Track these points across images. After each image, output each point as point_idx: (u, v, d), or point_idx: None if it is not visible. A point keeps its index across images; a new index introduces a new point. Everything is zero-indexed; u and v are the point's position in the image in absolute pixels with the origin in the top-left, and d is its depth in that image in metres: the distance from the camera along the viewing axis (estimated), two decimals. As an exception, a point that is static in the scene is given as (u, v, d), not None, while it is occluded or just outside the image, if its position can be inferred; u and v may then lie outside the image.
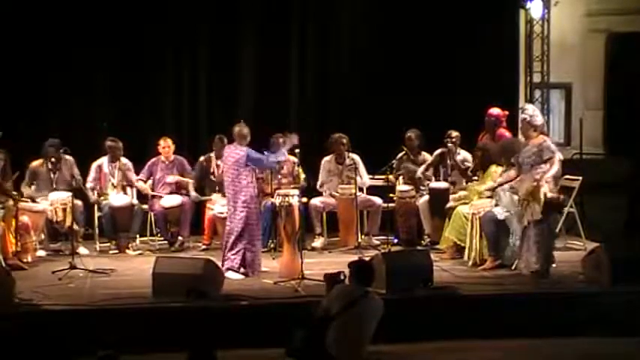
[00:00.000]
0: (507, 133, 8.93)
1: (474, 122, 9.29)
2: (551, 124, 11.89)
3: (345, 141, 9.39)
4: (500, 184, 8.06)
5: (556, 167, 7.54)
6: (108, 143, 9.21)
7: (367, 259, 7.12)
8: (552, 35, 11.00)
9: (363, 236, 9.36)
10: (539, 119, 7.70)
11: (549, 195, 7.43)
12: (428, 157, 9.53)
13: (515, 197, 7.77)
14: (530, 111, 7.74)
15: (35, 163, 9.09)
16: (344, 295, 5.89)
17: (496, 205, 8.08)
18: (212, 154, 9.45)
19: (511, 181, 7.90)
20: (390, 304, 6.58)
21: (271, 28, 10.47)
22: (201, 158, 9.50)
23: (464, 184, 8.92)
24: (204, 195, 9.42)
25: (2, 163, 8.53)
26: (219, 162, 9.34)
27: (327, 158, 9.54)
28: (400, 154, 9.42)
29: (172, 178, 9.31)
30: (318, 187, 9.49)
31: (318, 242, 9.20)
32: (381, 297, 6.46)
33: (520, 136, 10.12)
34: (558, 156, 7.64)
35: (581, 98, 12.88)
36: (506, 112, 9.12)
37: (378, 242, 9.23)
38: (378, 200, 9.41)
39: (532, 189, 7.46)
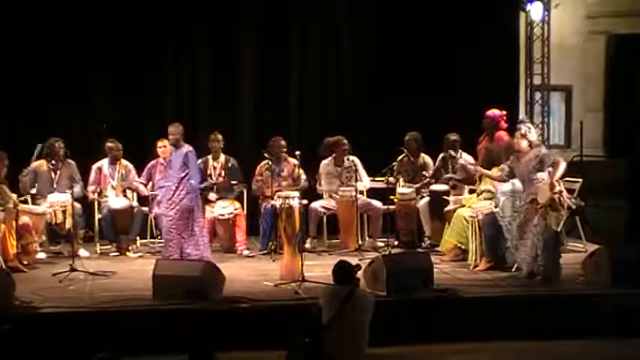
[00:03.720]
0: (506, 136, 8.91)
1: (473, 124, 9.28)
2: (552, 126, 11.88)
3: (345, 143, 9.39)
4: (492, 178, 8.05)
5: (564, 165, 7.51)
6: (107, 145, 9.23)
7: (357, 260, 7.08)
8: (552, 37, 11.00)
9: (367, 238, 9.38)
10: (534, 135, 7.70)
11: (571, 203, 7.44)
12: (428, 159, 9.54)
13: (517, 203, 7.77)
14: (529, 124, 7.74)
15: (36, 164, 9.06)
16: (334, 297, 5.89)
17: (495, 206, 8.09)
18: (209, 157, 9.43)
19: (497, 180, 7.91)
20: (391, 306, 6.62)
21: (271, 28, 10.47)
22: (199, 161, 9.47)
23: (465, 188, 8.93)
24: (203, 197, 9.40)
25: (6, 169, 8.53)
26: (215, 164, 9.33)
27: (325, 161, 9.52)
28: (400, 156, 9.41)
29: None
30: (318, 187, 9.48)
31: (307, 243, 9.16)
32: (381, 299, 6.49)
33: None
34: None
35: (581, 100, 12.84)
36: (504, 112, 9.11)
37: (381, 244, 9.22)
38: (377, 204, 9.41)
39: (552, 199, 7.40)
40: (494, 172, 8.31)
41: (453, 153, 9.10)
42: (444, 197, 8.93)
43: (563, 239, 7.84)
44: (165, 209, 8.40)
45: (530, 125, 7.78)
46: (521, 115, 7.86)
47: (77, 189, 8.94)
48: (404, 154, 9.43)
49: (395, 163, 9.33)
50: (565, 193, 7.48)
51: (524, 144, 7.59)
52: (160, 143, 9.36)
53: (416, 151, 9.48)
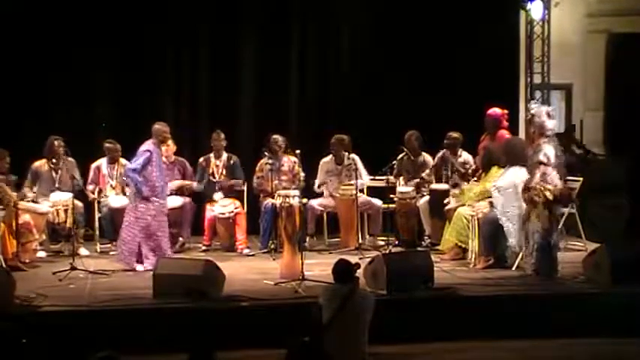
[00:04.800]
0: (507, 134, 8.92)
1: (474, 123, 9.29)
2: (552, 125, 11.90)
3: (346, 142, 9.39)
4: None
5: (541, 171, 7.46)
6: (106, 145, 9.26)
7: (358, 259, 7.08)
8: (553, 36, 11.00)
9: (367, 237, 9.39)
10: (539, 120, 7.65)
11: (551, 196, 7.43)
12: (428, 158, 9.54)
13: (511, 195, 7.79)
14: (534, 110, 7.72)
15: (37, 163, 9.09)
16: (334, 296, 5.88)
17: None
18: (211, 155, 9.44)
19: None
20: (391, 305, 6.61)
21: (271, 28, 10.49)
22: (201, 159, 9.49)
23: (464, 186, 8.93)
24: (205, 196, 9.40)
25: (8, 165, 8.54)
26: (218, 162, 9.34)
27: (325, 159, 9.54)
28: (400, 155, 9.41)
29: (174, 184, 9.24)
30: (316, 187, 9.48)
31: (306, 242, 9.16)
32: (381, 298, 6.48)
33: (522, 135, 10.18)
34: (552, 162, 7.53)
35: (581, 99, 12.87)
36: (506, 111, 9.11)
37: (382, 243, 9.22)
38: (377, 202, 9.41)
39: (530, 197, 7.44)
40: (494, 171, 8.34)
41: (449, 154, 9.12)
42: (445, 199, 8.93)
43: (560, 236, 7.81)
44: (162, 209, 8.33)
45: (536, 111, 7.65)
46: (535, 105, 7.81)
47: (77, 184, 8.98)
48: (404, 153, 9.43)
49: (395, 162, 9.32)
50: (547, 189, 7.44)
51: (531, 130, 7.62)
52: None
53: (416, 149, 9.48)
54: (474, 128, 9.27)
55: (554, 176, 7.51)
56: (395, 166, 9.35)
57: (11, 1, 9.79)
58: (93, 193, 9.21)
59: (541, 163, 7.45)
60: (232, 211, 9.14)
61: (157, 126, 8.40)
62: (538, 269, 7.54)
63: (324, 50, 10.69)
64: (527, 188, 7.54)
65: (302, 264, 7.35)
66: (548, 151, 7.51)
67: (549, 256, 7.56)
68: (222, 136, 9.37)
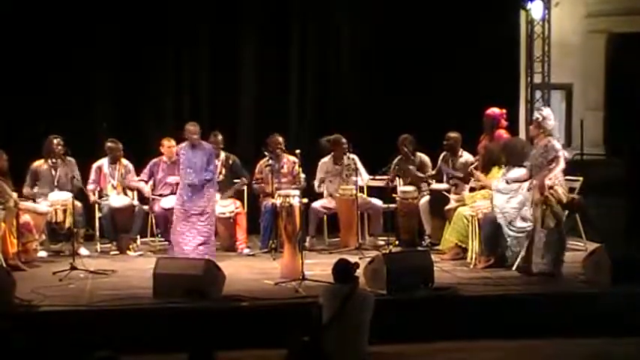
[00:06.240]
0: (505, 134, 8.93)
1: (473, 123, 9.29)
2: (552, 124, 11.92)
3: (344, 142, 9.39)
4: (516, 180, 8.00)
5: (561, 165, 7.53)
6: (108, 144, 9.25)
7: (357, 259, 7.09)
8: (553, 36, 11.01)
9: (368, 237, 9.39)
10: (550, 123, 7.69)
11: (564, 199, 7.45)
12: (425, 158, 9.53)
13: (515, 200, 7.79)
14: (545, 113, 7.75)
15: (36, 164, 9.09)
16: (334, 296, 5.89)
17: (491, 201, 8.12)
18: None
19: (523, 180, 7.86)
20: (391, 305, 6.62)
21: (271, 28, 10.49)
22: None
23: (465, 187, 8.93)
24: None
25: (7, 164, 8.54)
26: (216, 161, 9.34)
27: (324, 159, 9.54)
28: (397, 158, 9.41)
29: (173, 179, 9.22)
30: (316, 187, 9.48)
31: (307, 242, 9.16)
32: (381, 297, 6.49)
33: (522, 135, 10.18)
34: (563, 154, 7.61)
35: (581, 99, 12.93)
36: (504, 111, 9.12)
37: (382, 243, 9.22)
38: (377, 202, 9.41)
39: (544, 197, 7.45)
40: (495, 171, 8.35)
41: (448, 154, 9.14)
42: (445, 194, 8.93)
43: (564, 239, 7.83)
44: (189, 206, 8.44)
45: (544, 113, 7.74)
46: (544, 109, 7.91)
47: (77, 184, 8.99)
48: (400, 156, 9.41)
49: (391, 164, 9.30)
50: (560, 189, 7.49)
51: (536, 131, 7.66)
52: (166, 142, 9.35)
53: (411, 152, 9.46)
54: (474, 128, 9.27)
55: (560, 175, 7.55)
56: (391, 169, 9.32)
57: (11, 1, 9.79)
58: (93, 193, 9.21)
59: (555, 158, 7.47)
60: (232, 211, 9.14)
61: (186, 126, 8.68)
62: (542, 270, 7.54)
63: (324, 50, 10.69)
64: (541, 185, 7.51)
65: (302, 264, 7.35)
66: (557, 145, 7.57)
67: (557, 259, 7.57)
68: (220, 137, 9.36)
